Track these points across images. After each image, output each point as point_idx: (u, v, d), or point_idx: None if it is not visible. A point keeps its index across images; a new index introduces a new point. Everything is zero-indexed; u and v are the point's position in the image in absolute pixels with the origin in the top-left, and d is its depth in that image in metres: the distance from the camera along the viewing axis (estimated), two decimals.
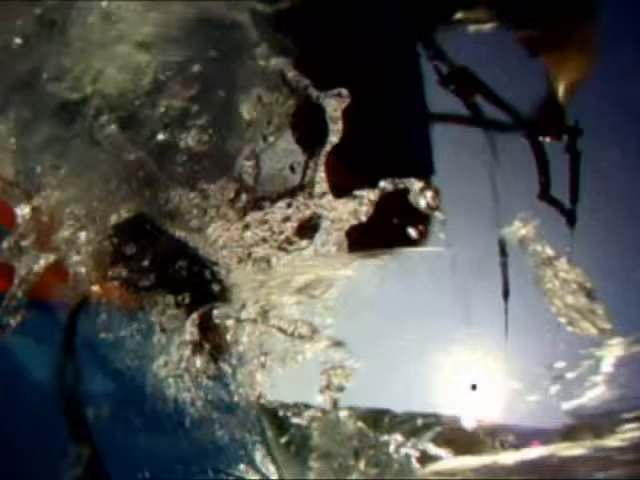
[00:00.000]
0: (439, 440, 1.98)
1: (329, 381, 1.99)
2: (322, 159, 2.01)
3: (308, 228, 2.03)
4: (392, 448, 2.00)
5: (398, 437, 2.00)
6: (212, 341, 2.05)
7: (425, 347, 2.00)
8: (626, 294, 1.97)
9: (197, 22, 1.98)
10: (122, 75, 1.96)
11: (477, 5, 2.06)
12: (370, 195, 1.98)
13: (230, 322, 2.05)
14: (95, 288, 2.07)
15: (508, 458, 1.93)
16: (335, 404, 1.99)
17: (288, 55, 2.01)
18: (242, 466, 2.04)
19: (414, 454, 1.98)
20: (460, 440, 1.97)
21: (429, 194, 1.96)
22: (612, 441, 1.91)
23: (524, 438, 1.95)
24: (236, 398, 2.05)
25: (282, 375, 2.02)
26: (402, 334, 2.00)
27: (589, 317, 1.97)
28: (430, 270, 2.01)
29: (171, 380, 2.05)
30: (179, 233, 2.04)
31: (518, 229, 1.98)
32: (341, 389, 1.99)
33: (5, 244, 2.01)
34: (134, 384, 2.06)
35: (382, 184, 1.98)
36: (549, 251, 1.98)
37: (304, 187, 2.04)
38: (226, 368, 2.05)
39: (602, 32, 2.04)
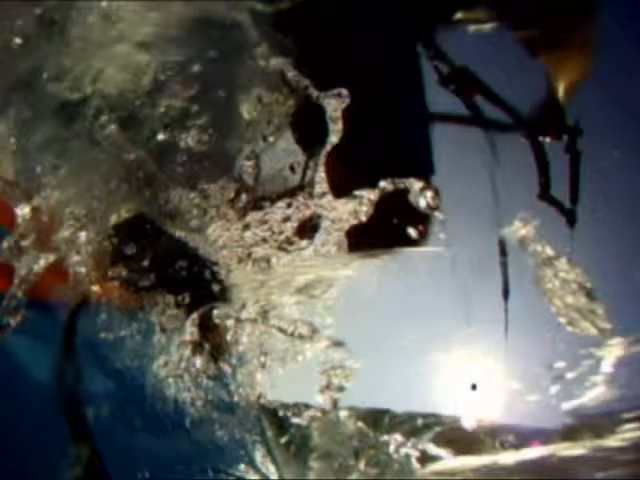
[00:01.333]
0: (439, 440, 1.98)
1: (329, 381, 1.99)
2: (322, 159, 2.02)
3: (308, 228, 2.03)
4: (392, 448, 2.00)
5: (398, 437, 2.00)
6: (212, 341, 2.05)
7: (425, 347, 2.00)
8: (626, 294, 1.97)
9: (197, 22, 1.98)
10: (122, 75, 1.96)
11: (477, 5, 2.06)
12: (370, 195, 1.98)
13: (230, 322, 2.05)
14: (95, 288, 2.07)
15: (508, 458, 1.93)
16: (335, 404, 1.99)
17: (288, 55, 2.01)
18: (242, 466, 2.04)
19: (414, 454, 1.98)
20: (460, 440, 1.97)
21: (429, 194, 1.96)
22: (612, 441, 1.91)
23: (524, 438, 1.95)
24: (236, 398, 2.05)
25: (282, 375, 2.02)
26: (402, 334, 2.00)
27: (589, 317, 1.97)
28: (430, 270, 2.01)
29: (171, 380, 2.05)
30: (179, 233, 2.04)
31: (518, 229, 1.98)
32: (341, 389, 1.99)
33: (5, 244, 2.01)
34: (134, 384, 2.06)
35: (382, 184, 1.98)
36: (549, 251, 1.98)
37: (304, 187, 2.04)
38: (226, 368, 2.05)
39: (602, 32, 2.04)
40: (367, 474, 1.98)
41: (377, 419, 2.01)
